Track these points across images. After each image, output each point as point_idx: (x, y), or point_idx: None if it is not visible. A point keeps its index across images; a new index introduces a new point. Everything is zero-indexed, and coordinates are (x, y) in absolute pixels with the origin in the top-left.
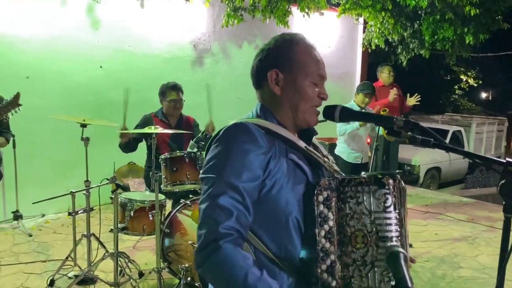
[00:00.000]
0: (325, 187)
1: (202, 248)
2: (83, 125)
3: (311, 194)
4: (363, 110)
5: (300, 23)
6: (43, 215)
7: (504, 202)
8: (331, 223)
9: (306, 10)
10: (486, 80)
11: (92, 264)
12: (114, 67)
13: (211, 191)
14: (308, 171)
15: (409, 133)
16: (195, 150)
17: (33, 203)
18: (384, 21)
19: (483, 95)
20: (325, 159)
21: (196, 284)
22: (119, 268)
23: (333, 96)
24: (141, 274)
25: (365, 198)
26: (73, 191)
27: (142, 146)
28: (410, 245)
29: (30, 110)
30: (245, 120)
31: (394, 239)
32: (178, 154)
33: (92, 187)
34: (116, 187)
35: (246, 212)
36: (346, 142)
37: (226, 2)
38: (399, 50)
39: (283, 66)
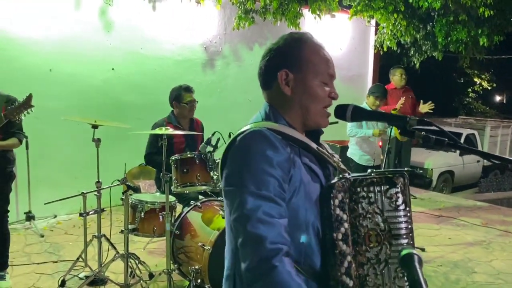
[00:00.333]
0: (339, 189)
1: (253, 267)
2: (95, 126)
3: (327, 198)
4: None
5: (312, 25)
6: (55, 216)
7: None
8: (346, 224)
9: (318, 12)
10: (500, 82)
11: (102, 265)
12: (126, 69)
13: (244, 206)
14: (321, 173)
15: (422, 132)
16: (206, 151)
17: (44, 204)
18: (397, 23)
19: (497, 98)
20: (334, 158)
21: (206, 286)
22: (129, 269)
23: (344, 98)
24: (151, 276)
25: (377, 197)
26: (84, 192)
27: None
28: (423, 249)
29: (43, 111)
30: (260, 126)
31: (406, 236)
32: (189, 155)
33: (103, 188)
34: (127, 189)
35: (285, 219)
36: (358, 144)
37: (238, 5)
38: (412, 52)
39: (292, 65)
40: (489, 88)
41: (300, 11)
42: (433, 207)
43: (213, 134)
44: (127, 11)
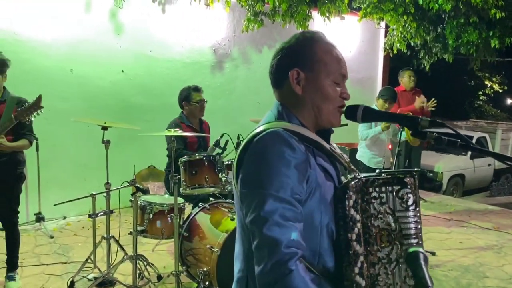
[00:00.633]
0: (353, 190)
1: (268, 271)
2: (104, 128)
3: (342, 199)
4: None
5: (321, 27)
6: (65, 218)
7: None
8: (358, 225)
9: (327, 14)
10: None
11: (111, 267)
12: (135, 71)
13: (262, 208)
14: (334, 173)
15: (434, 133)
16: (214, 153)
17: (54, 205)
18: (407, 25)
19: (509, 101)
20: (344, 158)
21: None
22: (138, 271)
23: (354, 101)
24: (159, 278)
25: (388, 198)
26: (94, 193)
27: (162, 149)
28: (433, 253)
29: (53, 113)
30: (276, 127)
31: (415, 236)
32: (197, 157)
33: (112, 190)
34: (136, 190)
35: (301, 221)
36: (368, 146)
37: (247, 7)
38: (422, 55)
39: (304, 64)
40: (500, 91)
41: (309, 13)
42: (443, 211)
43: (221, 136)
44: (136, 14)
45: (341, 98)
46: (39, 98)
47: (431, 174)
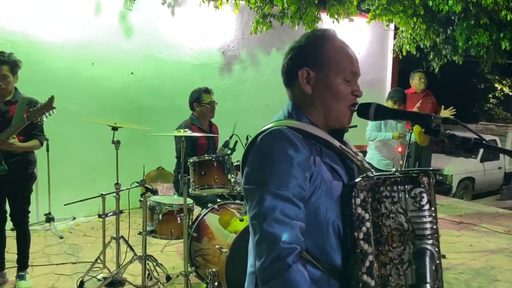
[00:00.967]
0: (361, 189)
1: (267, 266)
2: (114, 128)
3: (349, 197)
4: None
5: None
6: (74, 218)
7: None
8: (368, 224)
9: (336, 16)
10: None
11: (120, 267)
12: (145, 73)
13: (262, 205)
14: (343, 172)
15: (447, 131)
16: (223, 154)
17: (65, 205)
18: (416, 27)
19: None
20: (358, 157)
21: None
22: (147, 272)
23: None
24: (168, 278)
25: (400, 197)
26: (104, 193)
27: (171, 150)
28: (444, 256)
29: (63, 114)
30: (280, 126)
31: (430, 236)
32: (207, 158)
33: (122, 190)
34: (146, 191)
35: (302, 220)
36: (377, 148)
37: (255, 9)
38: (431, 57)
39: (314, 64)
40: (511, 93)
41: (318, 15)
42: (453, 214)
43: (230, 137)
44: (146, 16)
45: (353, 96)
46: (51, 99)
47: (440, 177)
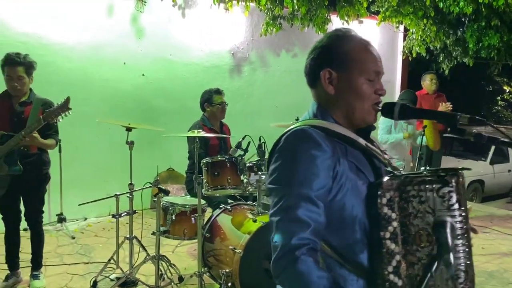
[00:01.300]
0: (387, 188)
1: (278, 259)
2: (128, 129)
3: (375, 196)
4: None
5: None
6: (85, 219)
7: None
8: (395, 223)
9: (346, 18)
10: None
11: (133, 267)
12: (155, 75)
13: (283, 203)
14: (369, 171)
15: (474, 130)
16: (236, 155)
17: (79, 205)
18: (426, 29)
19: None
20: (385, 155)
21: None
22: (159, 272)
23: None
24: (181, 279)
25: (428, 196)
26: (118, 194)
27: (181, 152)
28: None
29: (75, 115)
30: (304, 125)
31: (460, 236)
32: (219, 158)
33: (135, 190)
34: (159, 191)
35: (321, 220)
36: (388, 150)
37: (265, 11)
38: (441, 58)
39: (336, 64)
40: None
41: (328, 17)
42: None
43: (243, 138)
44: (157, 18)
45: (376, 95)
46: (67, 100)
47: None
